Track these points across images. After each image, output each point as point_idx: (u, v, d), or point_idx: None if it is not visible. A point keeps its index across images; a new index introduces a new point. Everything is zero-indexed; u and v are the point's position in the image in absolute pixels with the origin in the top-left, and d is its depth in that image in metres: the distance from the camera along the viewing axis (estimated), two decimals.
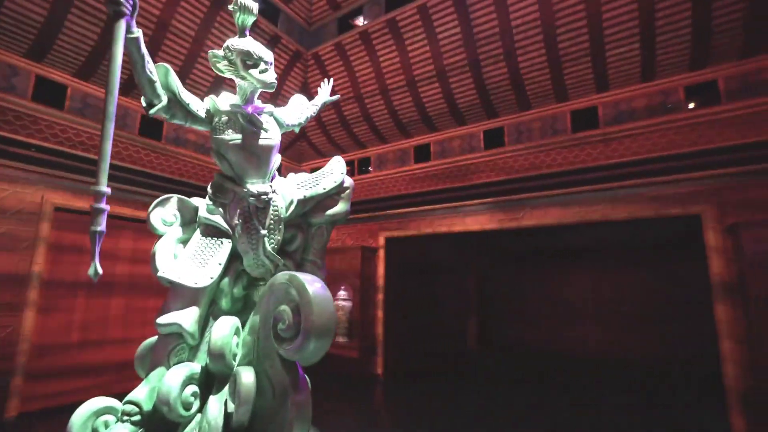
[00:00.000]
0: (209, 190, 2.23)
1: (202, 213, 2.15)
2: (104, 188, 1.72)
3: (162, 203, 2.18)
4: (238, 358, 2.04)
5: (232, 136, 2.15)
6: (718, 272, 5.61)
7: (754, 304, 5.36)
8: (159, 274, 1.96)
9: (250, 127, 2.19)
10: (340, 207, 2.46)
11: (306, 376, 1.93)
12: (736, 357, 5.33)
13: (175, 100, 2.04)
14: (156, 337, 2.08)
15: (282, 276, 1.90)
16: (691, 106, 5.96)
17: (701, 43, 5.56)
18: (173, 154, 6.97)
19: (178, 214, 2.20)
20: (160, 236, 2.14)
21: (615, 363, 9.07)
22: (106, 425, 1.77)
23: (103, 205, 1.73)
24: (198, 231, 2.15)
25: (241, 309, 2.32)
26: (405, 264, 8.51)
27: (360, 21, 7.02)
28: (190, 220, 2.23)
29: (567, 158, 6.55)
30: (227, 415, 1.86)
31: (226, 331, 1.99)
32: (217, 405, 1.87)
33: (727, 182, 5.58)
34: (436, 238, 8.16)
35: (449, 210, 7.63)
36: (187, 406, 1.84)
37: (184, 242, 2.18)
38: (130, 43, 1.80)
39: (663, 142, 5.97)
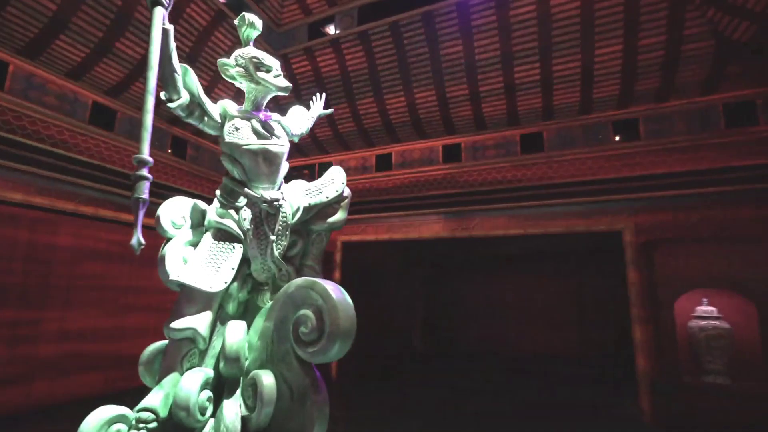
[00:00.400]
0: (218, 193, 2.20)
1: (213, 216, 2.11)
2: (146, 156, 1.71)
3: (171, 205, 2.10)
4: (247, 362, 2.03)
5: (246, 141, 2.15)
6: (633, 281, 6.46)
7: (661, 308, 6.27)
8: (172, 278, 1.90)
9: (265, 133, 2.21)
10: (340, 215, 2.53)
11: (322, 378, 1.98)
12: (645, 350, 6.17)
13: (194, 99, 2.02)
14: (164, 342, 2.00)
15: (301, 282, 1.95)
16: (617, 138, 6.81)
17: (627, 86, 6.40)
18: (126, 145, 6.42)
19: (187, 216, 2.14)
20: (168, 239, 2.06)
21: (548, 358, 9.85)
22: None
23: (146, 173, 1.71)
24: (208, 234, 2.10)
25: (243, 313, 2.30)
26: (360, 268, 8.61)
27: (331, 29, 7.05)
28: (197, 223, 2.18)
29: (516, 176, 7.13)
30: (242, 419, 1.86)
31: (240, 335, 1.98)
32: (233, 409, 1.85)
33: (643, 205, 6.46)
34: (390, 245, 8.36)
35: (406, 217, 7.89)
36: (203, 411, 1.81)
37: (193, 245, 2.12)
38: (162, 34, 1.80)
39: (595, 167, 6.75)
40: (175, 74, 1.89)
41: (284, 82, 2.25)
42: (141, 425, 1.68)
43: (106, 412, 1.69)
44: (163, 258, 1.96)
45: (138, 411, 1.71)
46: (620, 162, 6.63)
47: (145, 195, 1.71)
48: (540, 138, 7.12)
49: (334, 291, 1.84)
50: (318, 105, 2.83)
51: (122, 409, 1.74)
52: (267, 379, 1.84)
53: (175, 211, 2.09)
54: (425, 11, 6.25)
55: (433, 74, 6.87)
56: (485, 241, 7.99)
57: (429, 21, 6.36)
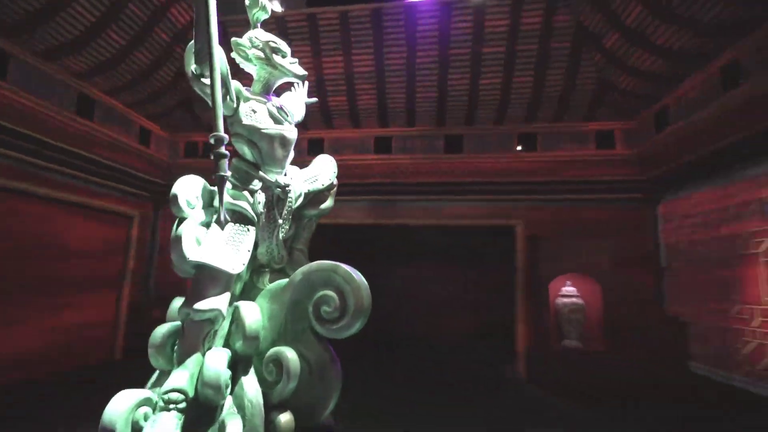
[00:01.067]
0: (229, 174, 2.13)
1: (227, 198, 2.04)
2: (222, 134, 1.74)
3: (185, 184, 1.97)
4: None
5: (265, 126, 2.12)
6: (521, 268, 7.68)
7: (539, 291, 7.61)
8: (193, 258, 1.82)
9: (280, 118, 2.21)
10: (329, 203, 2.63)
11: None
12: (525, 324, 7.45)
13: (223, 78, 1.92)
14: (173, 324, 1.91)
15: (320, 265, 2.04)
16: (519, 148, 7.92)
17: (533, 105, 7.48)
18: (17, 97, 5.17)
19: (199, 196, 2.02)
20: (181, 219, 1.94)
21: (449, 339, 10.55)
22: (146, 417, 1.60)
23: (224, 150, 1.75)
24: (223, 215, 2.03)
25: (241, 294, 2.28)
26: None
27: (276, 5, 6.63)
28: (207, 204, 2.08)
29: (438, 172, 7.78)
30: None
31: (258, 315, 2.01)
32: (254, 385, 1.89)
33: (533, 205, 7.67)
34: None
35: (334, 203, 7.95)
36: (227, 389, 1.81)
37: (205, 226, 2.02)
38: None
39: (503, 170, 7.75)
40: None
41: (301, 70, 2.26)
42: (171, 406, 1.62)
43: (130, 396, 1.59)
44: (179, 238, 1.85)
45: (166, 392, 1.64)
46: (521, 168, 7.74)
47: (228, 172, 1.77)
48: (460, 140, 7.88)
49: (355, 274, 2.00)
50: (302, 92, 2.80)
51: (145, 392, 1.67)
52: (291, 354, 1.91)
53: (190, 191, 1.96)
54: (375, 8, 6.34)
55: (376, 68, 7.03)
56: (403, 230, 8.51)
57: (377, 18, 6.47)
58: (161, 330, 1.87)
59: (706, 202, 5.98)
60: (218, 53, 1.68)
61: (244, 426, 1.71)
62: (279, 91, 2.45)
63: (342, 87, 7.33)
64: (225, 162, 1.75)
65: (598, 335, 7.49)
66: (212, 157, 1.74)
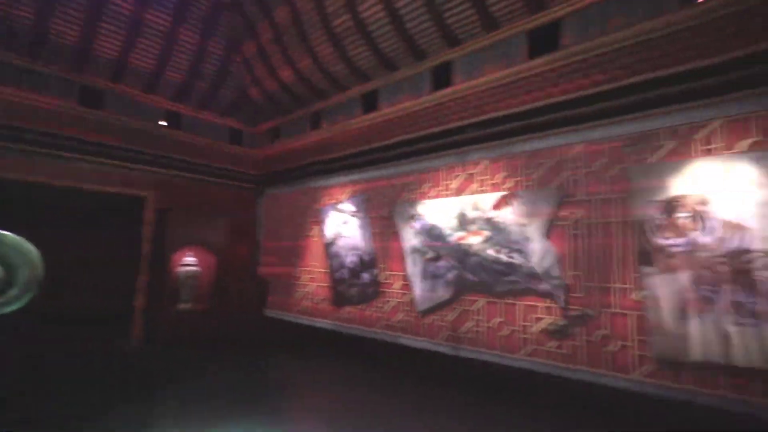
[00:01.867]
0: None
1: None
2: None
3: None
4: None
5: None
6: (148, 238, 7.79)
7: (163, 261, 7.98)
8: None
9: None
10: None
11: None
12: (145, 291, 7.66)
13: None
14: None
15: None
16: (164, 123, 7.94)
17: (184, 88, 7.79)
18: None
19: None
20: None
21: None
22: None
23: None
24: None
25: None
26: None
27: None
28: None
29: (71, 124, 6.46)
30: None
31: None
32: None
33: (166, 180, 7.97)
34: None
35: None
36: None
37: None
38: None
39: (144, 140, 7.52)
40: None
41: None
42: None
43: None
44: None
45: None
46: (161, 142, 7.82)
47: None
48: (101, 96, 6.90)
49: (27, 243, 2.10)
50: None
51: None
52: None
53: None
54: None
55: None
56: (18, 187, 6.34)
57: None
58: None
59: (288, 198, 8.75)
60: None
61: None
62: None
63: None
64: None
65: (206, 297, 8.83)
66: None
